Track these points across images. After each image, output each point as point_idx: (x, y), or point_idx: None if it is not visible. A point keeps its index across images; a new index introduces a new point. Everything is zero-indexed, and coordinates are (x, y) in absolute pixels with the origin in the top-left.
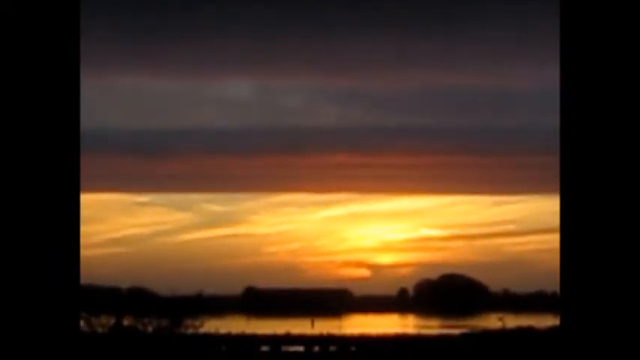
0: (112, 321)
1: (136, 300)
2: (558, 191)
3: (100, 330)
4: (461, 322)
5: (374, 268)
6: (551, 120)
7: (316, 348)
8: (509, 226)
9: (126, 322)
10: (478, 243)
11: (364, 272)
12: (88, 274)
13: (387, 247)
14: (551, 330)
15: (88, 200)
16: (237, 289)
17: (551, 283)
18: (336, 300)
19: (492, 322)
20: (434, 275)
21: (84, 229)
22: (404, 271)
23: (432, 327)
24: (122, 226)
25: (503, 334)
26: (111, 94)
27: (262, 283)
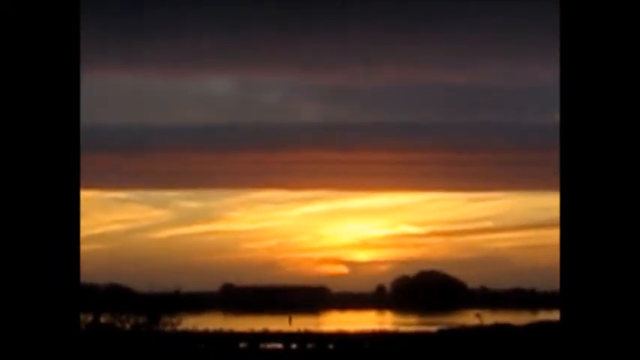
0: (90, 318)
1: (113, 297)
2: (535, 188)
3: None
4: (439, 319)
5: (352, 265)
6: (530, 117)
7: (294, 345)
8: (487, 222)
9: (103, 319)
10: (456, 240)
11: (342, 269)
12: None
13: (364, 244)
14: (529, 327)
15: None
16: (214, 285)
17: (529, 280)
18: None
19: (470, 318)
20: (412, 272)
21: None
22: (382, 268)
23: (409, 324)
24: (100, 222)
25: (481, 330)
26: (88, 90)
27: (240, 280)
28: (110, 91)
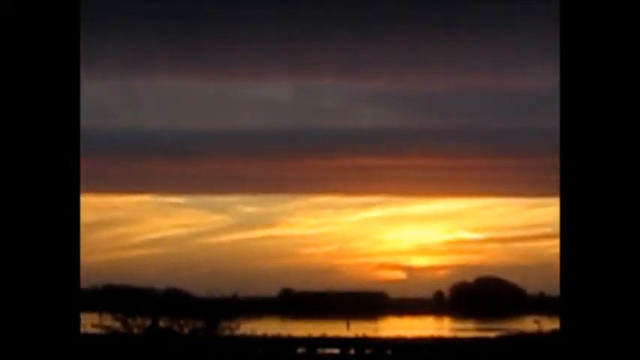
0: (148, 322)
1: (172, 301)
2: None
3: (135, 331)
4: (497, 325)
5: (410, 270)
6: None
7: (352, 350)
8: (546, 228)
9: (162, 323)
10: (514, 246)
11: (400, 275)
12: (124, 276)
13: (423, 250)
14: None
15: (123, 202)
16: (273, 290)
17: None
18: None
19: (529, 324)
20: (470, 278)
21: (120, 230)
22: (440, 273)
23: (467, 330)
24: (158, 227)
25: (540, 337)
26: (147, 96)
27: (298, 285)
28: (170, 96)
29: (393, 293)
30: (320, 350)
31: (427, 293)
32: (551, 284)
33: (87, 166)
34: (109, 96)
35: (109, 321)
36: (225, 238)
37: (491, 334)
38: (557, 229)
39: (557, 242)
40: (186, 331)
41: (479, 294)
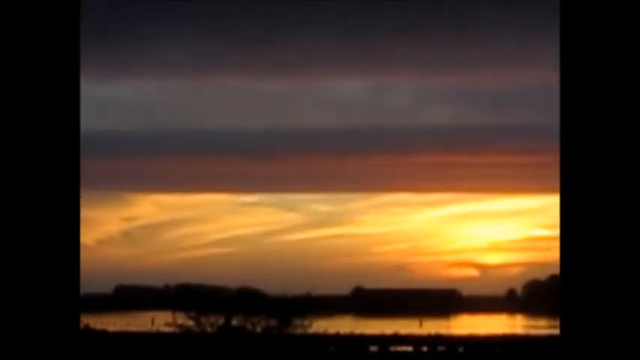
0: (221, 321)
1: (244, 300)
2: None
3: (209, 330)
4: None
5: (482, 268)
6: None
7: (424, 348)
8: None
9: (235, 322)
10: None
11: (473, 272)
12: (197, 274)
13: (495, 247)
14: None
15: (196, 201)
16: (345, 289)
17: None
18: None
19: None
20: (543, 275)
21: (193, 229)
22: (513, 271)
23: (540, 327)
24: (231, 226)
25: None
26: (218, 95)
27: (371, 283)
28: (240, 95)
29: (466, 291)
30: (392, 348)
31: (500, 291)
32: None
33: (159, 165)
34: (179, 96)
35: (182, 320)
36: (298, 236)
37: None
38: None
39: None
40: (259, 329)
41: (552, 291)
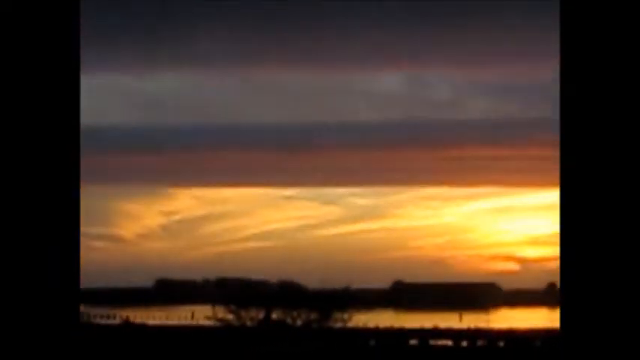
0: (262, 314)
1: (284, 294)
2: None
3: (249, 323)
4: None
5: (522, 261)
6: None
7: (464, 342)
8: None
9: (275, 315)
10: None
11: (512, 266)
12: (236, 268)
13: (535, 241)
14: None
15: (235, 194)
16: (385, 282)
17: None
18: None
19: None
20: None
21: (233, 223)
22: (552, 264)
23: None
24: (269, 220)
25: None
26: (257, 90)
27: (410, 277)
28: (276, 89)
29: (505, 285)
30: (432, 342)
31: (539, 284)
32: None
33: (199, 159)
34: (218, 91)
35: (222, 313)
36: (337, 230)
37: None
38: None
39: None
40: (299, 323)
41: None
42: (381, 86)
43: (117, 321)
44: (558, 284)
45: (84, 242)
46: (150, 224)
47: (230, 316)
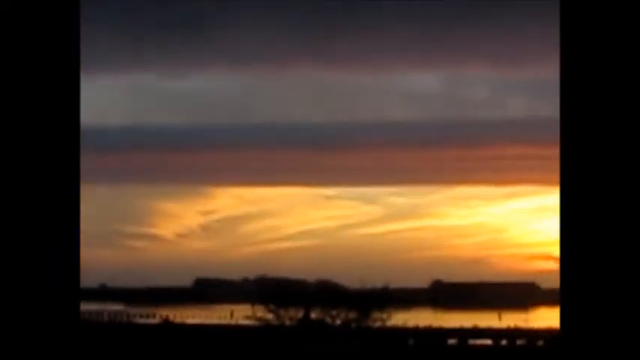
0: (301, 314)
1: (323, 293)
2: None
3: (288, 322)
4: None
5: None
6: None
7: (504, 341)
8: None
9: (314, 315)
10: None
11: (552, 265)
12: (276, 267)
13: None
14: None
15: (275, 194)
16: (424, 282)
17: None
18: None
19: None
20: None
21: (272, 222)
22: None
23: None
24: (309, 219)
25: None
26: (298, 88)
27: (449, 276)
28: (316, 89)
29: (545, 284)
30: (471, 341)
31: None
32: None
33: (238, 158)
34: (257, 89)
35: (262, 312)
36: (376, 229)
37: None
38: None
39: None
40: (338, 322)
41: None
42: (418, 85)
43: (156, 320)
44: None
45: (124, 242)
46: (189, 224)
47: (269, 316)
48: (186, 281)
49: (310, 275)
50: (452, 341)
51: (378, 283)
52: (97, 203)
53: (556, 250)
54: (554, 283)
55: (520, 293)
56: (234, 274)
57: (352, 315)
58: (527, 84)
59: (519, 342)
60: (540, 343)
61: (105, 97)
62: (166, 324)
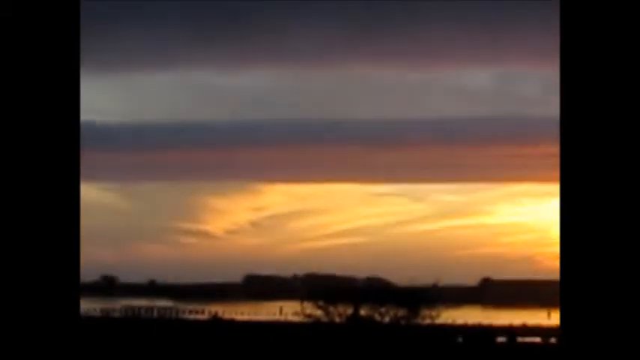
0: (350, 311)
1: (372, 290)
2: None
3: (337, 319)
4: None
5: None
6: None
7: (553, 339)
8: None
9: (363, 312)
10: None
11: None
12: (325, 264)
13: None
14: None
15: (324, 190)
16: (473, 279)
17: None
18: None
19: None
20: None
21: (321, 219)
22: None
23: None
24: (359, 216)
25: None
26: (345, 85)
27: (498, 274)
28: (362, 85)
29: None
30: (520, 339)
31: None
32: None
33: (287, 155)
34: (304, 86)
35: (311, 309)
36: (426, 226)
37: None
38: None
39: None
40: (387, 319)
41: None
42: (469, 82)
43: (205, 316)
44: None
45: (174, 238)
46: (239, 220)
47: (318, 312)
48: (235, 277)
49: (359, 272)
50: (501, 339)
51: (428, 281)
52: (147, 200)
53: None
54: None
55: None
56: (284, 271)
57: (401, 312)
58: None
59: None
60: None
61: (157, 94)
62: (216, 320)
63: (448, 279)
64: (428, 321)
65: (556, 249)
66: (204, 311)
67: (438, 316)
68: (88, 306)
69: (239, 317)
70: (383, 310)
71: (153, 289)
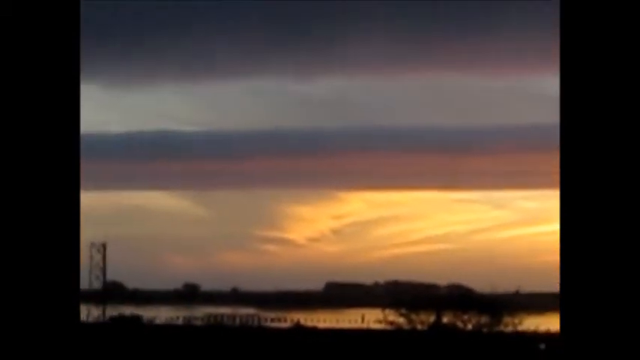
0: (432, 318)
1: (454, 297)
2: None
3: (419, 327)
4: None
5: None
6: None
7: None
8: None
9: (445, 319)
10: None
11: None
12: (406, 271)
13: None
14: None
15: (405, 198)
16: (555, 286)
17: None
18: None
19: None
20: None
21: (402, 226)
22: None
23: None
24: (443, 223)
25: None
26: (423, 93)
27: None
28: (442, 91)
29: None
30: None
31: None
32: None
33: (369, 162)
34: (394, 93)
35: (393, 317)
36: (507, 233)
37: None
38: None
39: None
40: (469, 326)
41: None
42: (552, 88)
43: (287, 324)
44: None
45: (256, 245)
46: (321, 228)
47: (401, 320)
48: (317, 285)
49: (441, 279)
50: None
51: (509, 288)
52: (228, 208)
53: None
54: None
55: None
56: (365, 278)
57: (484, 320)
58: None
59: None
60: None
61: (235, 102)
62: (298, 328)
63: (530, 286)
64: (510, 328)
65: None
66: (287, 319)
67: (520, 323)
68: (171, 314)
69: (321, 325)
70: (465, 317)
71: (235, 296)
